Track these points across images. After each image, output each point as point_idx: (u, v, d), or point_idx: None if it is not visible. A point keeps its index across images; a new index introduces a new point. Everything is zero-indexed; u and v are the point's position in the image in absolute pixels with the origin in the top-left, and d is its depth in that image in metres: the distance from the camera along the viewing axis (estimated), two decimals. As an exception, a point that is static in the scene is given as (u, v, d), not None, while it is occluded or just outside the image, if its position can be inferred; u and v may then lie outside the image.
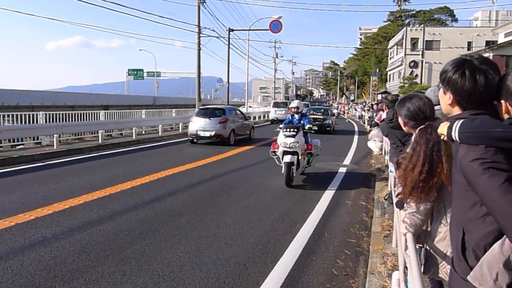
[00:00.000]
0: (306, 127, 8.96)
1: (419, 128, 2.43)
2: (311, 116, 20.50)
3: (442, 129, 1.81)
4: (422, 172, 2.19)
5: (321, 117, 22.53)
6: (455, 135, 1.68)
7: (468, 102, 1.74)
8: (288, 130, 8.39)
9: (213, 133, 15.22)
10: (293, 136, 8.32)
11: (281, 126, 8.78)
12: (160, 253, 4.50)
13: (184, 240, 4.91)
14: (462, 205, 1.68)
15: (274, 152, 8.82)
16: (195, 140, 15.86)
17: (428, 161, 2.18)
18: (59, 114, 14.85)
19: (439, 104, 4.41)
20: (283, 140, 8.36)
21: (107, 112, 17.36)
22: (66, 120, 14.90)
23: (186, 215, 5.96)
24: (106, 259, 4.28)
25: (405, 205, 2.54)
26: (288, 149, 8.26)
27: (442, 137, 1.86)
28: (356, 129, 26.40)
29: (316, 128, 18.84)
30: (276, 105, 33.40)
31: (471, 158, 1.56)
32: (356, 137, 20.20)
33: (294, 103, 9.47)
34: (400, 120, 2.75)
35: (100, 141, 14.30)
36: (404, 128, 2.75)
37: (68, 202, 6.50)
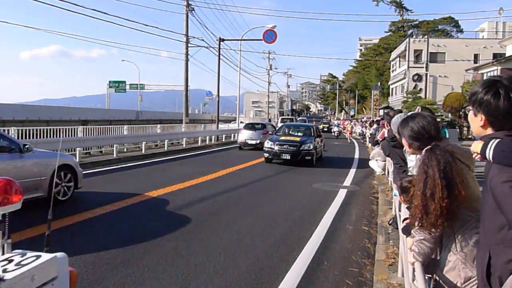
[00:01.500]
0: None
1: (425, 149, 2.45)
2: (282, 138, 16.34)
3: (476, 147, 1.87)
4: (444, 198, 2.19)
5: (297, 139, 16.12)
6: (489, 154, 1.74)
7: (503, 122, 1.83)
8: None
9: (258, 141, 21.80)
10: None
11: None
12: (144, 283, 4.44)
13: (170, 269, 4.86)
14: (490, 228, 1.71)
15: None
16: (242, 147, 22.57)
17: (445, 184, 2.19)
18: (33, 129, 14.74)
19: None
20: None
21: (86, 128, 17.31)
22: (40, 137, 14.78)
23: (172, 241, 5.91)
24: (83, 291, 4.20)
25: (412, 231, 2.54)
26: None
27: (474, 156, 1.92)
28: (357, 155, 20.96)
29: (288, 157, 15.45)
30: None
31: (503, 179, 1.61)
32: (352, 170, 14.94)
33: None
34: (404, 142, 2.78)
35: (77, 159, 14.18)
36: (409, 150, 2.78)
37: (38, 229, 6.41)
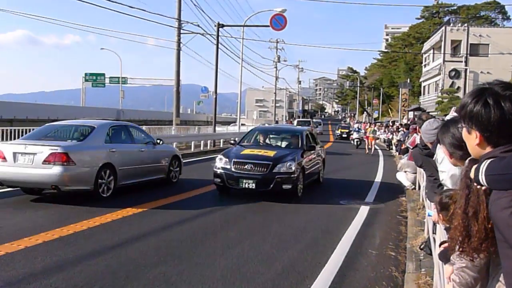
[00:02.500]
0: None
1: (469, 159, 2.46)
2: (246, 152, 11.78)
3: (472, 172, 1.85)
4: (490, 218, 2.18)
5: (270, 154, 11.45)
6: (481, 178, 1.72)
7: (499, 137, 1.80)
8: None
9: None
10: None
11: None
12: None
13: (158, 300, 4.86)
14: (504, 266, 1.69)
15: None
16: None
17: None
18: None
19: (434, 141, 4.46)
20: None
21: (58, 129, 17.34)
22: (2, 139, 14.87)
23: (160, 266, 5.91)
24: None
25: (452, 257, 2.54)
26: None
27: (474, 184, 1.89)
28: (380, 175, 17.54)
29: (253, 185, 10.88)
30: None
31: (500, 207, 1.59)
32: (376, 184, 14.54)
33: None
34: (445, 151, 2.78)
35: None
36: (450, 160, 2.77)
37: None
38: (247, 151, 11.87)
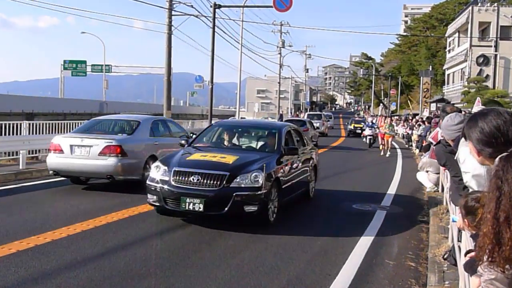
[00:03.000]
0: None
1: (500, 157, 2.44)
2: (194, 157, 9.42)
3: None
4: None
5: (229, 161, 9.05)
6: None
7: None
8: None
9: None
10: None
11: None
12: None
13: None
14: None
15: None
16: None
17: None
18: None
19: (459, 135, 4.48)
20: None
21: (32, 124, 17.37)
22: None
23: (148, 279, 5.92)
24: None
25: (479, 268, 2.53)
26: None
27: None
28: (398, 177, 16.28)
29: (200, 207, 8.25)
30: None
31: None
32: (394, 184, 14.55)
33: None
34: (471, 147, 2.76)
35: (21, 166, 14.27)
36: (477, 158, 2.75)
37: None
38: (196, 156, 9.49)
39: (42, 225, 8.28)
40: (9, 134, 16.10)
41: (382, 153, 26.25)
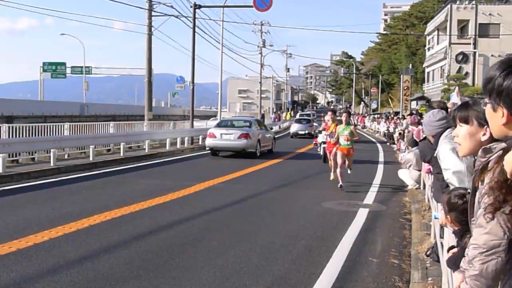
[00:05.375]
0: None
1: (483, 148, 2.48)
2: None
3: (509, 162, 1.84)
4: None
5: None
6: None
7: None
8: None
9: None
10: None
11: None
12: None
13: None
14: None
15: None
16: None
17: None
18: None
19: (442, 130, 4.50)
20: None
21: (11, 127, 17.22)
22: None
23: (132, 281, 5.89)
24: None
25: (462, 263, 2.55)
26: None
27: (509, 175, 1.89)
28: (380, 175, 16.23)
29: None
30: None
31: None
32: (375, 183, 14.42)
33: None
34: (473, 129, 2.78)
35: (0, 170, 14.12)
36: (500, 128, 2.75)
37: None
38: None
39: (24, 228, 8.19)
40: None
41: (332, 177, 14.19)
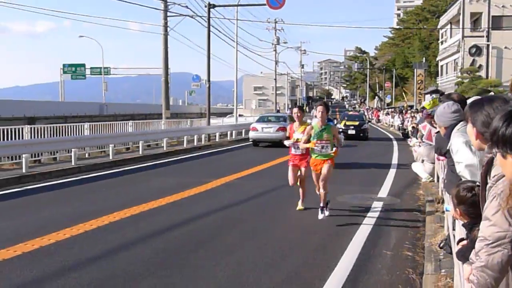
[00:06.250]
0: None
1: (490, 144, 2.47)
2: None
3: None
4: None
5: None
6: None
7: None
8: None
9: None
10: None
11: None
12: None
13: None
14: None
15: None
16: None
17: None
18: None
19: (455, 122, 4.47)
20: None
21: (34, 128, 17.38)
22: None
23: (149, 278, 5.93)
24: None
25: (471, 256, 2.54)
26: None
27: None
28: (394, 169, 18.26)
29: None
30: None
31: None
32: (390, 176, 15.82)
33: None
34: (471, 130, 2.77)
35: (24, 170, 14.27)
36: (474, 142, 2.76)
37: None
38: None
39: (45, 226, 8.28)
40: (11, 139, 16.09)
41: (300, 207, 10.01)
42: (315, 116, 16.58)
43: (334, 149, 8.82)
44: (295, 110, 10.26)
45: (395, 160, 19.32)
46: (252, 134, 26.98)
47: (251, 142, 27.58)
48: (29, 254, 6.81)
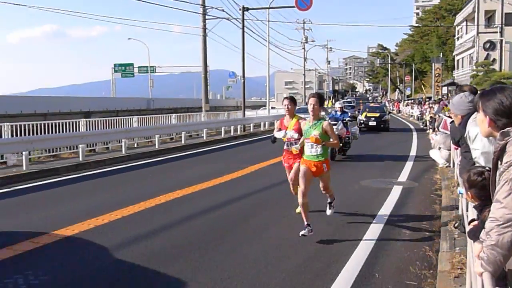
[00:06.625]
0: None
1: (502, 131, 2.44)
2: None
3: None
4: None
5: None
6: None
7: None
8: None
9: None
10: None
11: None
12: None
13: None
14: None
15: None
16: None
17: None
18: (29, 125, 15.20)
19: (471, 111, 4.39)
20: None
21: (89, 121, 17.70)
22: (37, 133, 15.24)
23: (193, 253, 6.02)
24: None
25: (481, 234, 2.52)
26: None
27: None
28: (413, 157, 18.70)
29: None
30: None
31: None
32: (409, 163, 16.68)
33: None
34: (482, 117, 2.72)
35: (80, 159, 14.58)
36: (486, 129, 2.71)
37: (41, 239, 6.64)
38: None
39: (99, 208, 8.43)
40: (69, 131, 16.43)
41: (298, 210, 7.42)
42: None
43: (330, 143, 6.72)
44: (285, 101, 7.82)
45: (414, 148, 19.04)
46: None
47: (269, 134, 26.98)
48: (86, 233, 6.99)
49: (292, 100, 7.88)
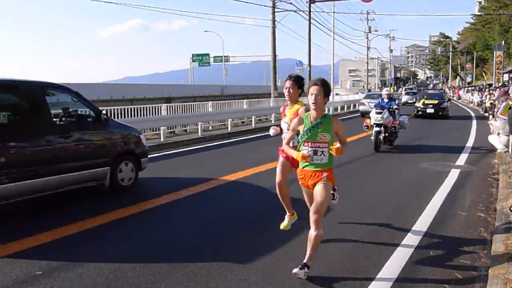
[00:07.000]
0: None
1: None
2: None
3: None
4: None
5: None
6: None
7: None
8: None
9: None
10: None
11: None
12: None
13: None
14: None
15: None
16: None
17: None
18: (118, 109, 15.83)
19: None
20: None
21: (170, 106, 18.21)
22: (124, 116, 15.86)
23: (238, 240, 6.09)
24: None
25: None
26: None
27: None
28: (471, 141, 17.01)
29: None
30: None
31: None
32: (467, 147, 15.54)
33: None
34: None
35: (162, 139, 15.08)
36: None
37: (120, 212, 6.97)
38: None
39: (177, 183, 8.71)
40: (152, 115, 16.98)
41: (286, 221, 5.89)
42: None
43: (337, 145, 4.36)
44: (287, 83, 5.59)
45: (473, 133, 18.22)
46: (361, 108, 29.85)
47: (342, 117, 27.78)
48: (162, 207, 7.26)
49: (296, 81, 5.55)
